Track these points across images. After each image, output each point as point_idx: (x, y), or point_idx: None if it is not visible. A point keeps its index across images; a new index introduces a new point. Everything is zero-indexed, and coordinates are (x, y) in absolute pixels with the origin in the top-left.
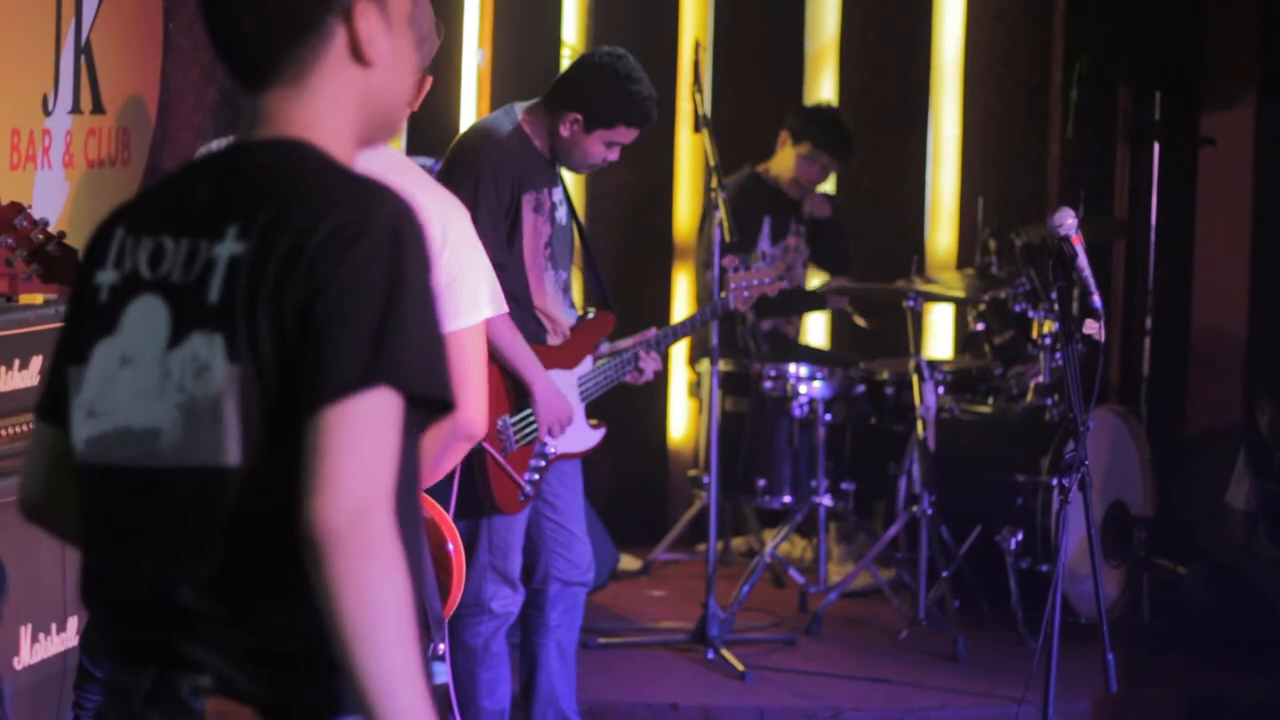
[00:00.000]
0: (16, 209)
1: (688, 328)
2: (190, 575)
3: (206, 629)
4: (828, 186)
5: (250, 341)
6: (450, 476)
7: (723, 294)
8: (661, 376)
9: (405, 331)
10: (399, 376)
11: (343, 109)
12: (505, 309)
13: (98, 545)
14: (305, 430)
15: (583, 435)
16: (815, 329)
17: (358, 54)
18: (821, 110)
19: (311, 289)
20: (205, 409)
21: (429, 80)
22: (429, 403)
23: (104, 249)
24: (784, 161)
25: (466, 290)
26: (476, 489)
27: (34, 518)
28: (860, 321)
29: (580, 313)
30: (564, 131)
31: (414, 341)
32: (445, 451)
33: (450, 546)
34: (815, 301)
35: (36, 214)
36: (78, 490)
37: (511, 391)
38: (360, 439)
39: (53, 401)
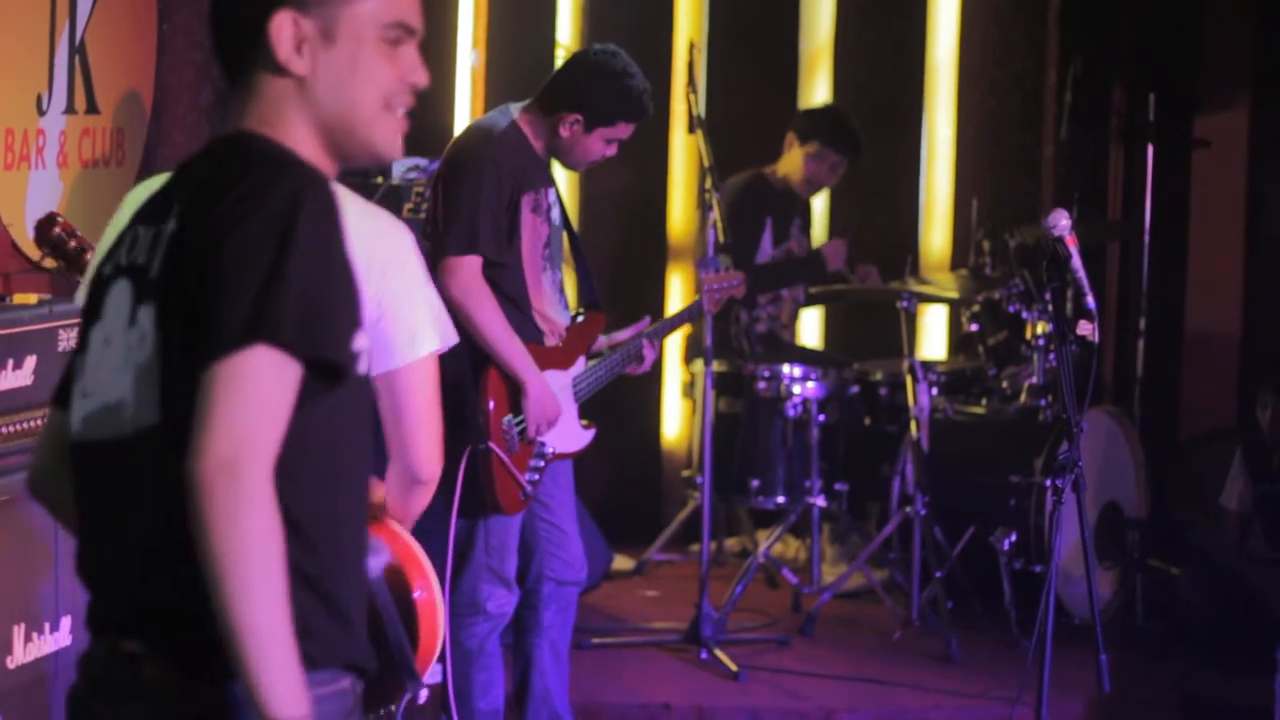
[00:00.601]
0: (51, 220)
1: (672, 324)
2: (136, 538)
3: (144, 591)
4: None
5: (165, 306)
6: (454, 476)
7: (696, 296)
8: (655, 376)
9: (287, 292)
10: (277, 335)
11: (287, 117)
12: (454, 339)
13: (84, 517)
14: (193, 384)
15: (575, 435)
16: (809, 330)
17: (281, 65)
18: (827, 109)
19: (204, 251)
20: (148, 374)
21: None
22: (323, 367)
23: (115, 246)
24: (792, 162)
25: (403, 324)
26: (479, 489)
27: (38, 497)
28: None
29: (573, 313)
30: (564, 132)
31: (296, 302)
32: (407, 500)
33: (418, 594)
34: (817, 272)
35: (30, 214)
36: (74, 468)
37: (513, 391)
38: (235, 394)
39: (62, 388)
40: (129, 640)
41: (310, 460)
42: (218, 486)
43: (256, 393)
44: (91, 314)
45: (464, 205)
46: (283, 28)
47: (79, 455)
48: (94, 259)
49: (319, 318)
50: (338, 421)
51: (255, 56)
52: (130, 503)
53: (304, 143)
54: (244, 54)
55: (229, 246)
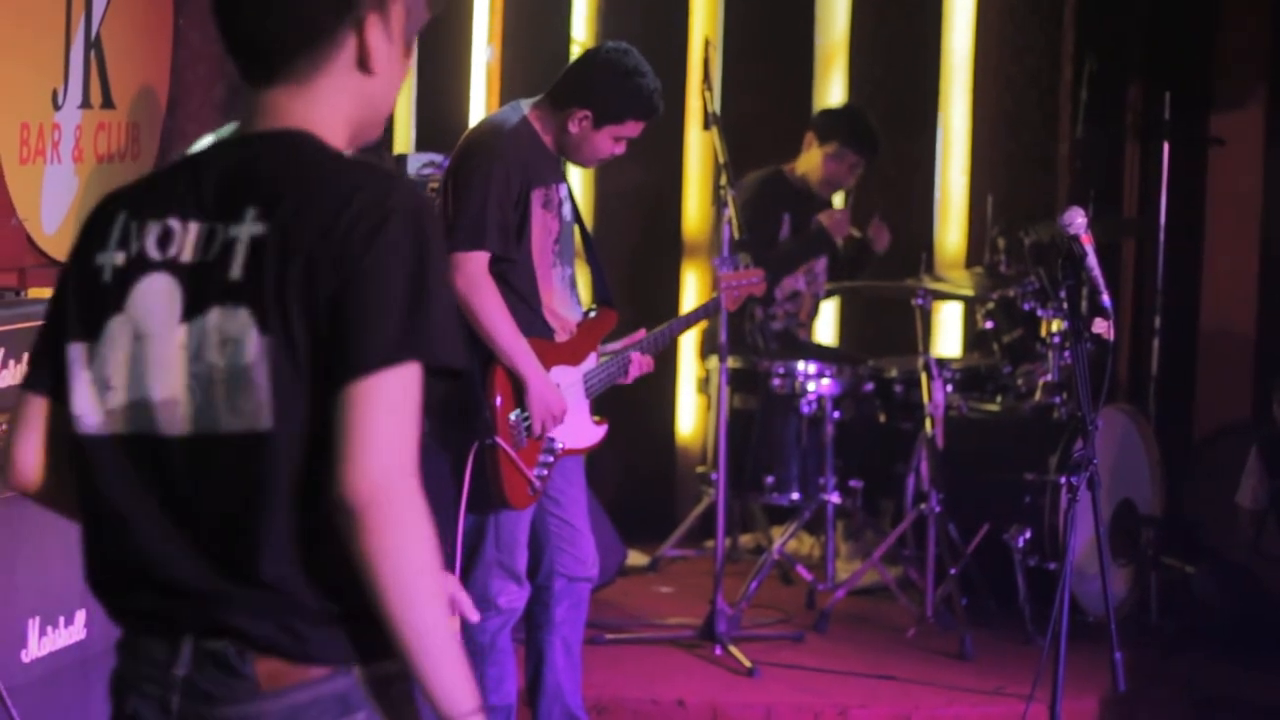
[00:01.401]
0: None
1: (689, 321)
2: (222, 539)
3: (246, 592)
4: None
5: (281, 315)
6: (461, 472)
7: (714, 294)
8: (670, 373)
9: (434, 307)
10: (427, 350)
11: (340, 111)
12: None
13: (115, 515)
14: (338, 401)
15: (586, 431)
16: (824, 327)
17: (364, 64)
18: (846, 109)
19: (344, 269)
20: (231, 377)
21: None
22: (444, 373)
23: (104, 232)
24: (811, 161)
25: None
26: (487, 484)
27: (30, 491)
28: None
29: (585, 309)
30: (573, 128)
31: (441, 317)
32: None
33: None
34: (825, 244)
35: (46, 208)
36: (84, 463)
37: (520, 387)
38: (391, 410)
39: (51, 376)
40: (216, 640)
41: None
42: (382, 502)
43: (406, 407)
44: (102, 303)
45: (471, 201)
46: (374, 28)
47: (105, 450)
48: (78, 248)
49: (454, 328)
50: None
51: (330, 55)
52: (199, 502)
53: (337, 137)
54: (316, 53)
55: (371, 264)
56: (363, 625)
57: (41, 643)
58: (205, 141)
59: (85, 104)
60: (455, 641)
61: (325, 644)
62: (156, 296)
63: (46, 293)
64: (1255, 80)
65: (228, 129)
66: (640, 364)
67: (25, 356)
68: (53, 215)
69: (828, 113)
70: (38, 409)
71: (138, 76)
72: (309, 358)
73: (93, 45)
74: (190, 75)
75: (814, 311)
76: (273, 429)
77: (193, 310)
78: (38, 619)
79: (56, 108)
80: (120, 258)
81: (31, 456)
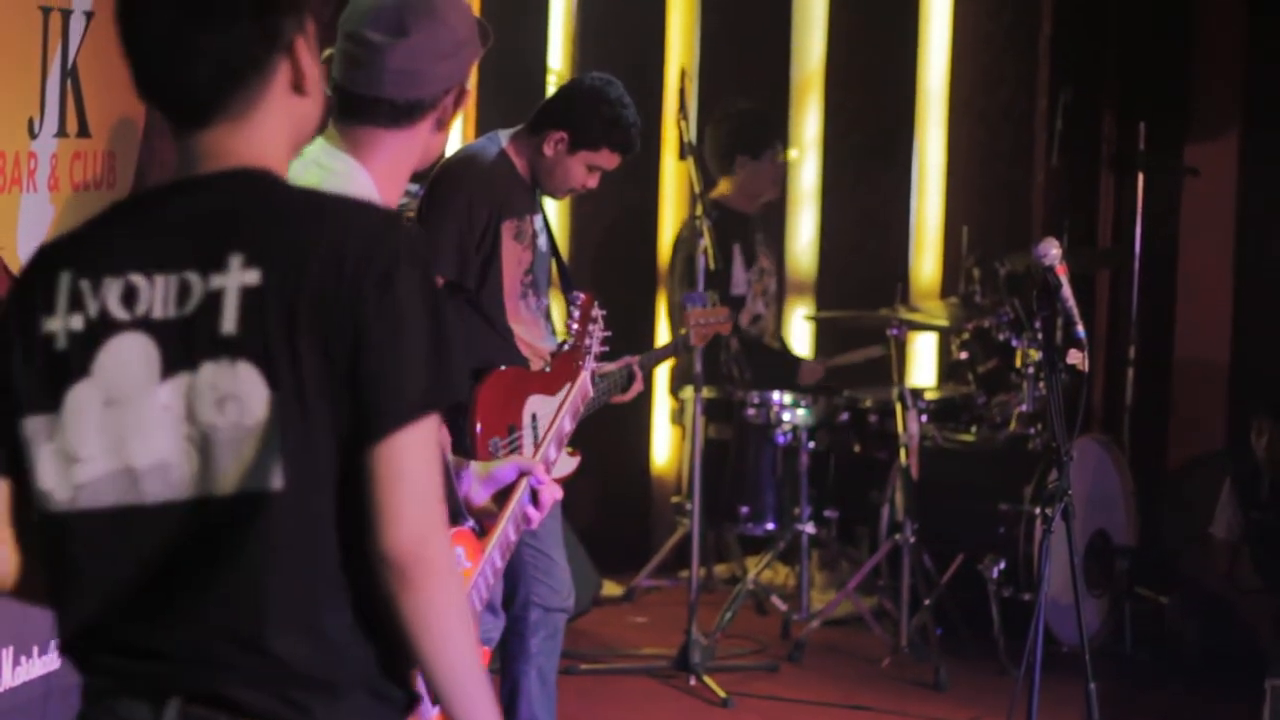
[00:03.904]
0: None
1: (658, 357)
2: (224, 605)
3: (245, 659)
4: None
5: (293, 371)
6: None
7: (682, 331)
8: (644, 404)
9: (451, 350)
10: (449, 395)
11: (280, 138)
12: None
13: (92, 589)
14: (369, 458)
15: (560, 463)
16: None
17: (298, 86)
18: (739, 130)
19: (359, 318)
20: (236, 437)
21: (469, 94)
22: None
23: (48, 295)
24: (745, 181)
25: None
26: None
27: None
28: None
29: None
30: (548, 150)
31: (456, 358)
32: None
33: None
34: (790, 374)
35: (21, 238)
36: (54, 540)
37: (502, 413)
38: (422, 461)
39: (6, 455)
40: (207, 709)
41: None
42: (425, 555)
43: (433, 454)
44: (59, 372)
45: (432, 228)
46: (303, 49)
47: (80, 525)
48: (12, 314)
49: (462, 364)
50: None
51: (265, 86)
52: (197, 568)
53: (281, 167)
54: (251, 87)
55: (387, 316)
56: (366, 699)
57: (15, 672)
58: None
59: (61, 133)
60: (490, 691)
61: (331, 716)
62: (129, 358)
63: None
64: (1229, 111)
65: None
66: (640, 379)
67: None
68: (28, 244)
69: (728, 139)
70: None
71: (114, 105)
72: (324, 414)
73: (69, 74)
74: None
75: (778, 327)
76: (284, 488)
77: (175, 368)
78: (11, 648)
79: (33, 136)
80: (78, 321)
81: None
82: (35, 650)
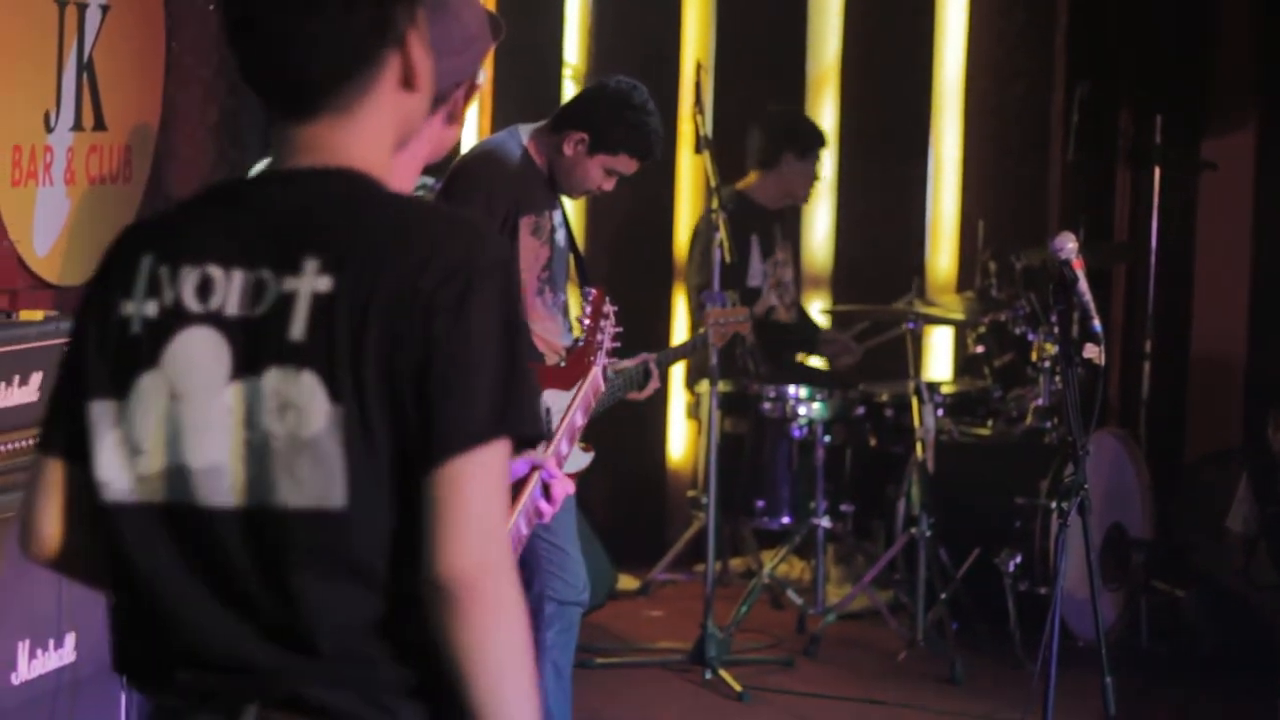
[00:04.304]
0: None
1: (675, 355)
2: (287, 616)
3: (319, 664)
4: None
5: (356, 384)
6: None
7: (701, 330)
8: (660, 397)
9: (525, 380)
10: (519, 425)
11: (385, 136)
12: None
13: (150, 590)
14: (431, 481)
15: (574, 458)
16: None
17: (408, 82)
18: (781, 128)
19: (431, 337)
20: (292, 448)
21: (479, 88)
22: (526, 442)
23: (128, 277)
24: (769, 181)
25: None
26: None
27: (45, 559)
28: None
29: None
30: (567, 150)
31: (529, 387)
32: None
33: None
34: (810, 341)
35: (37, 231)
36: (112, 532)
37: None
38: (486, 489)
39: (69, 437)
40: (288, 713)
41: None
42: (481, 585)
43: (500, 484)
44: (131, 358)
45: None
46: (415, 43)
47: (138, 519)
48: (96, 293)
49: (537, 396)
50: None
51: (375, 81)
52: (254, 577)
53: (384, 166)
54: (361, 82)
55: (462, 334)
56: (447, 700)
57: (31, 665)
58: (260, 169)
59: (77, 126)
60: None
61: (417, 717)
62: (198, 353)
63: (38, 315)
64: (1247, 105)
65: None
66: (656, 377)
67: (16, 379)
68: (44, 238)
69: (765, 134)
70: (58, 474)
71: (130, 99)
72: (387, 432)
73: (85, 68)
74: (183, 98)
75: (796, 297)
76: (346, 507)
77: (243, 370)
78: (27, 641)
79: (49, 130)
80: (152, 308)
81: (55, 527)
82: (51, 643)
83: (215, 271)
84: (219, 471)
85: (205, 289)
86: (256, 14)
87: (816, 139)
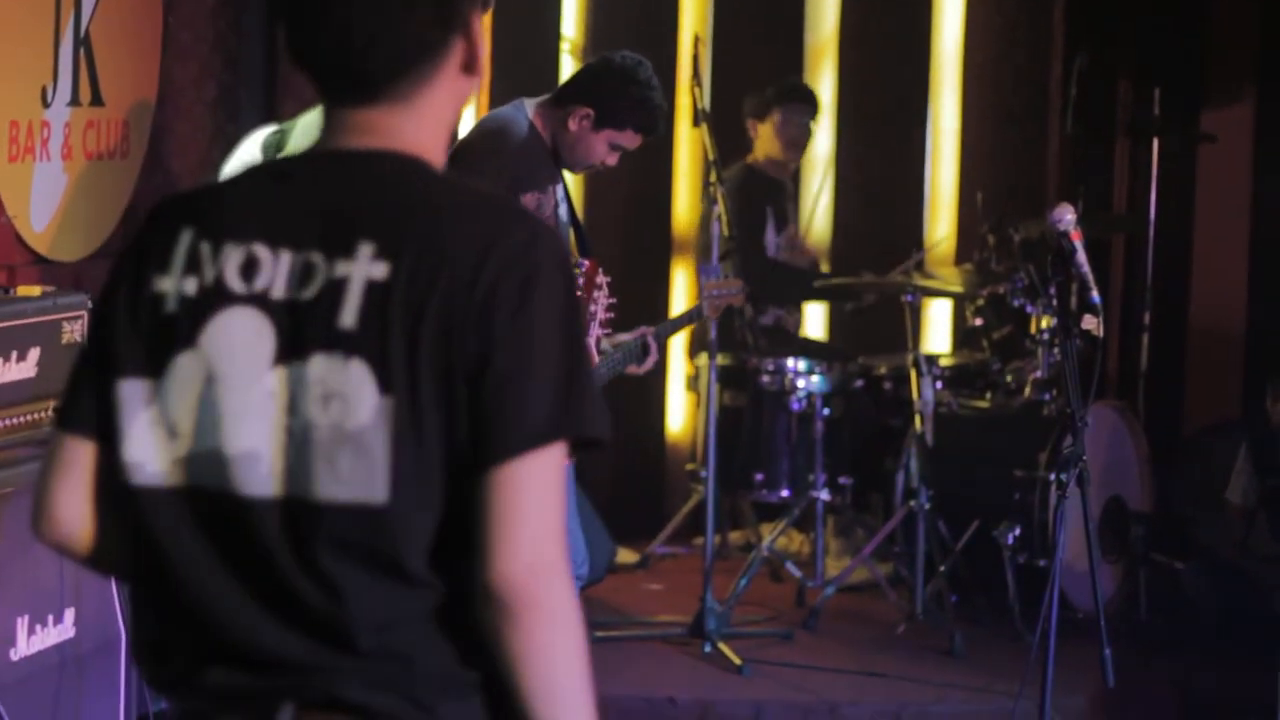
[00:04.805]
0: None
1: (672, 327)
2: (325, 611)
3: (358, 663)
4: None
5: (410, 377)
6: None
7: (696, 301)
8: (659, 371)
9: (585, 382)
10: (580, 428)
11: (444, 121)
12: None
13: (179, 578)
14: (486, 483)
15: None
16: (814, 323)
17: (470, 66)
18: (767, 86)
19: (490, 333)
20: (334, 439)
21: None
22: (587, 444)
23: (165, 251)
24: (766, 142)
25: None
26: None
27: (69, 547)
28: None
29: None
30: (572, 125)
31: (591, 387)
32: None
33: None
34: (808, 290)
35: (34, 206)
36: (140, 517)
37: None
38: (544, 493)
39: (93, 415)
40: (326, 713)
41: None
42: (537, 593)
43: (558, 486)
44: (167, 337)
45: None
46: (477, 27)
47: (162, 501)
48: (128, 267)
49: (598, 396)
50: None
51: (439, 68)
52: (291, 570)
53: (440, 152)
54: (425, 69)
55: (521, 332)
56: (498, 695)
57: (30, 641)
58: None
59: (75, 101)
60: None
61: (458, 715)
62: (241, 335)
63: (35, 290)
64: (1245, 77)
65: (288, 125)
66: (655, 351)
67: (14, 355)
68: (41, 213)
69: (753, 95)
70: (80, 453)
71: (127, 74)
72: (438, 429)
73: (82, 43)
74: (180, 73)
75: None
76: (388, 504)
77: (288, 355)
78: (26, 617)
79: (46, 105)
80: (191, 285)
81: (73, 508)
82: (50, 619)
83: (262, 251)
84: (257, 459)
85: (250, 268)
86: (317, 3)
87: (800, 87)
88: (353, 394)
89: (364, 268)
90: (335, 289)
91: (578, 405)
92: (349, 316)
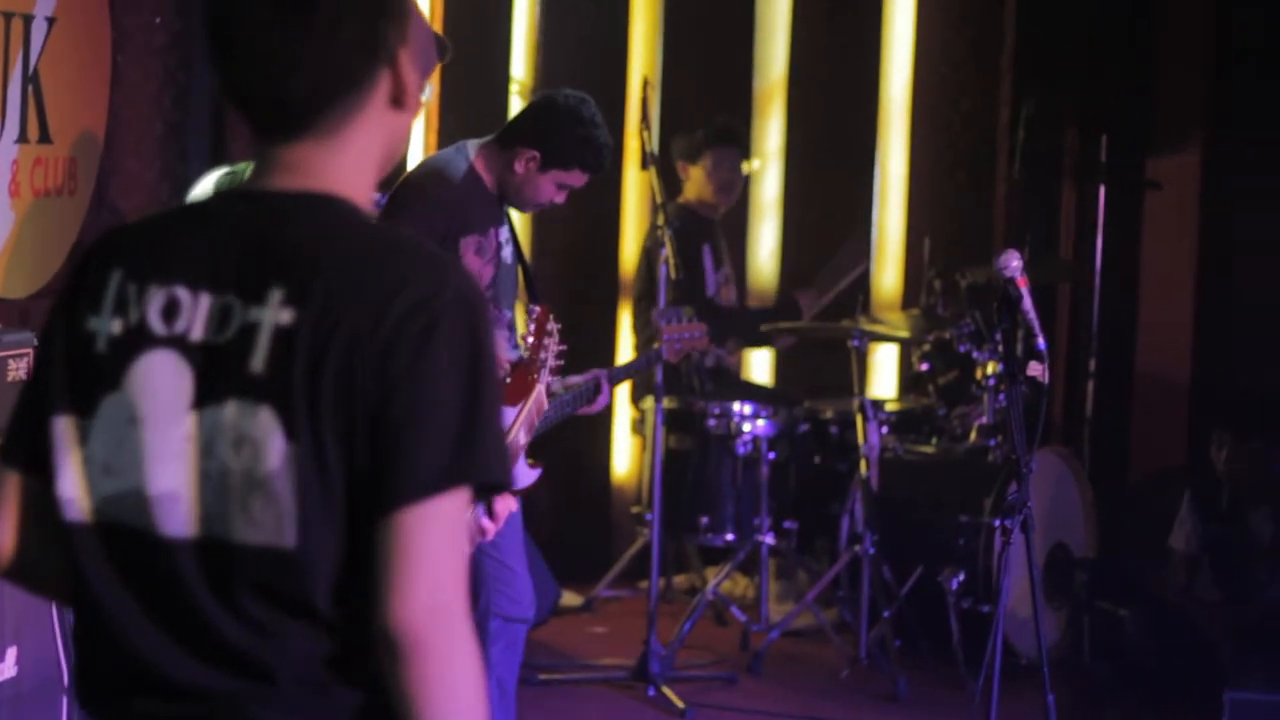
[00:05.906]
0: None
1: (629, 371)
2: (240, 647)
3: (276, 690)
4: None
5: (312, 423)
6: None
7: (656, 345)
8: (605, 414)
9: (487, 428)
10: (480, 474)
11: (370, 156)
12: None
13: (106, 612)
14: (384, 527)
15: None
16: (760, 367)
17: (398, 100)
18: (697, 128)
19: (389, 378)
20: (247, 484)
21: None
22: (489, 489)
23: (97, 291)
24: (698, 184)
25: None
26: None
27: (9, 575)
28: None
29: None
30: (518, 168)
31: (493, 433)
32: None
33: None
34: (760, 337)
35: None
36: (72, 551)
37: None
38: (441, 538)
39: (30, 450)
40: None
41: None
42: (433, 637)
43: (458, 534)
44: (96, 377)
45: None
46: (405, 61)
47: (87, 537)
48: (65, 306)
49: (501, 442)
50: None
51: (365, 101)
52: (208, 608)
53: (367, 189)
54: (350, 102)
55: (420, 376)
56: None
57: None
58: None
59: (22, 139)
60: None
61: None
62: (160, 377)
63: None
64: (1192, 124)
65: (240, 167)
66: (606, 393)
67: None
68: None
69: (678, 137)
70: (13, 486)
71: (76, 112)
72: (342, 474)
73: (30, 80)
74: (129, 112)
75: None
76: (296, 549)
77: (204, 399)
78: None
79: None
80: (118, 326)
81: (5, 537)
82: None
83: (182, 294)
84: (176, 500)
85: (171, 311)
86: (240, 33)
87: (730, 130)
88: (262, 440)
89: (273, 313)
90: (248, 334)
91: (476, 452)
92: (259, 362)
